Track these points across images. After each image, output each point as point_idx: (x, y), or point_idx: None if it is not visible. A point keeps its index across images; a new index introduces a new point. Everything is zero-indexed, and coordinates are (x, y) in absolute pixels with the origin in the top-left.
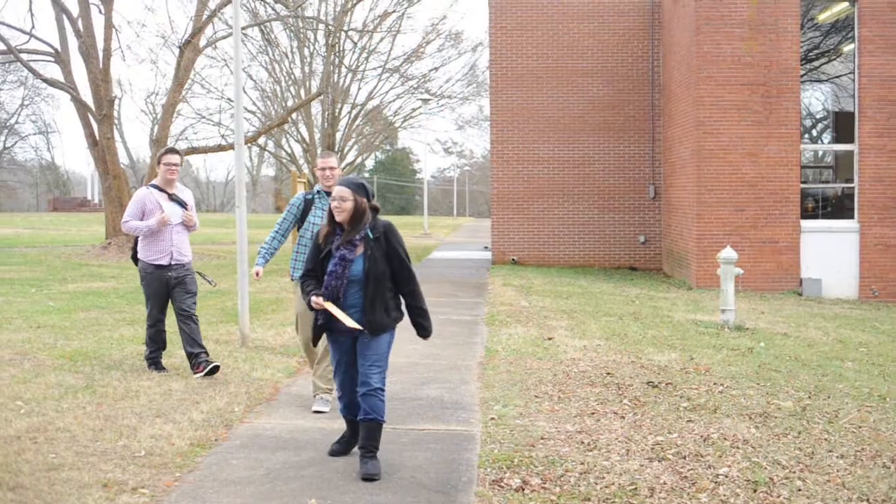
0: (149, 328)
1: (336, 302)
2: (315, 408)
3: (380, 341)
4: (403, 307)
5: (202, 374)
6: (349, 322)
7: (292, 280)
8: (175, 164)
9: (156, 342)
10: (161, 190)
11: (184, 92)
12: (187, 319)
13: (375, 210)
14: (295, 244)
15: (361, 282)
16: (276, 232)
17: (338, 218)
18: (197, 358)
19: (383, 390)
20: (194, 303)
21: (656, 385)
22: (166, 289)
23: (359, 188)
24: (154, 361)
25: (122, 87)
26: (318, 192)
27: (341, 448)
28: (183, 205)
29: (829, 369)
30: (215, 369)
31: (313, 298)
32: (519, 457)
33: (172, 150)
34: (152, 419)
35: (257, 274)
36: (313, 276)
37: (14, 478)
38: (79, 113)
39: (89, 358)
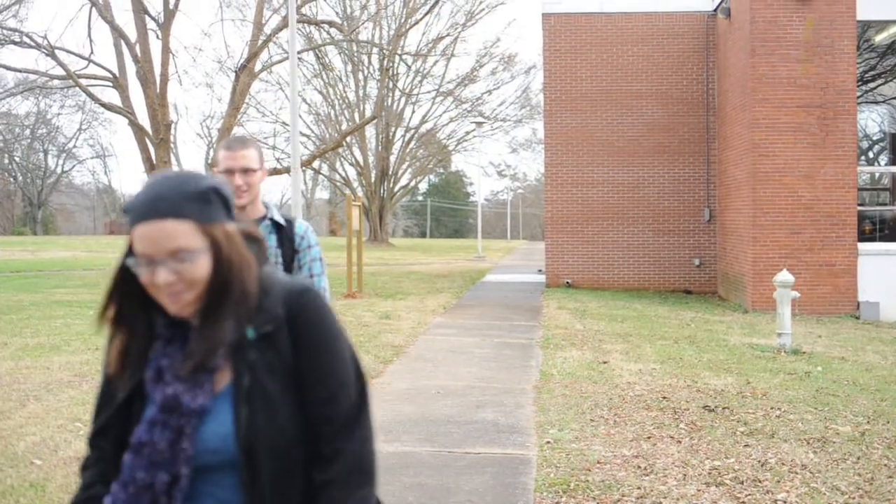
0: None
1: None
2: None
3: None
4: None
5: None
6: None
7: None
8: None
9: None
10: None
11: (239, 116)
12: None
13: (259, 250)
14: None
15: (236, 463)
16: None
17: (174, 307)
18: None
19: None
20: None
21: (713, 409)
22: None
23: (198, 202)
24: None
25: (178, 111)
26: None
27: None
28: None
29: (888, 394)
30: None
31: None
32: (575, 481)
33: None
34: None
35: None
36: (103, 448)
37: None
38: (136, 137)
39: None
